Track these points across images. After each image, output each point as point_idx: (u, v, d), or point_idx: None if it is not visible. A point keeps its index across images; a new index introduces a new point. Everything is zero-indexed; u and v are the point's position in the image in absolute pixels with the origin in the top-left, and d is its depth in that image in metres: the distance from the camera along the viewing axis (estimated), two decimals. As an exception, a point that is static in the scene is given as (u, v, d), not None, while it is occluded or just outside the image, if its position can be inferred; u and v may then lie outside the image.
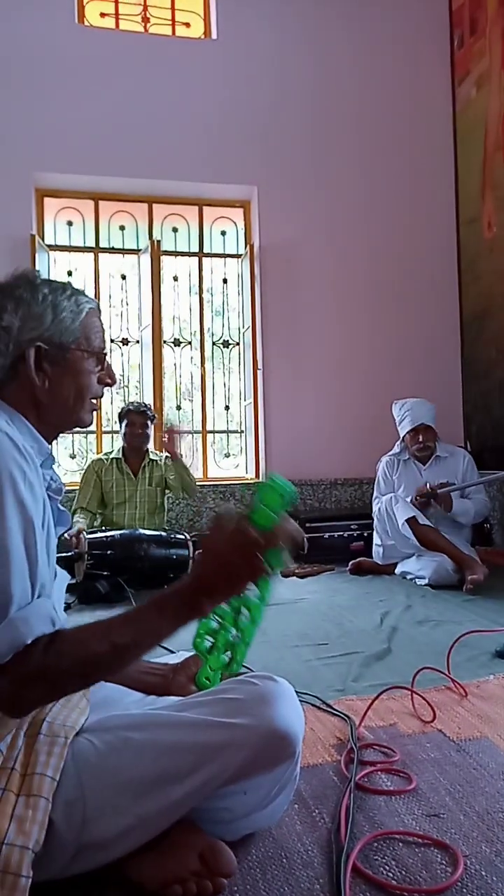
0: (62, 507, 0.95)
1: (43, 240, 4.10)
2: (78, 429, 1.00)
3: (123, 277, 4.45)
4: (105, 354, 1.00)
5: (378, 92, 4.46)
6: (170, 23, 4.44)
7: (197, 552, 2.95)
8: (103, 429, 4.30)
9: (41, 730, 0.85)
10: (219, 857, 0.90)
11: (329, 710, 1.52)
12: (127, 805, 0.84)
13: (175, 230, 4.45)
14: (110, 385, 1.01)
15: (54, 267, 4.21)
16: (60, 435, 1.00)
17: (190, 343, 4.48)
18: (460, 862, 0.94)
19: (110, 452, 3.53)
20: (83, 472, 3.49)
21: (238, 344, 4.54)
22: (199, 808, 0.90)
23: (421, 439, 3.28)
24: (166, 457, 3.55)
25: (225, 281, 4.55)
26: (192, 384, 4.56)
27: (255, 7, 4.32)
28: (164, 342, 4.33)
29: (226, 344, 4.55)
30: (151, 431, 3.53)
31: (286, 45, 4.35)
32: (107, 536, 3.00)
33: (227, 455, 4.52)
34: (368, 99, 4.44)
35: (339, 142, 4.39)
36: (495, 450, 4.04)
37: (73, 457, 4.32)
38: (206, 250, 4.49)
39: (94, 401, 0.98)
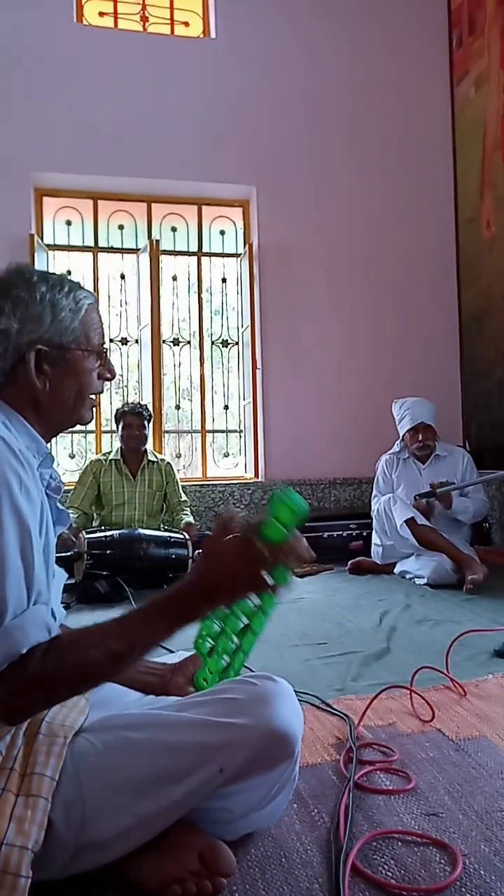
0: (61, 506, 0.95)
1: (42, 239, 4.09)
2: (77, 426, 1.00)
3: (122, 277, 4.45)
4: (104, 350, 0.98)
5: (376, 91, 4.46)
6: (168, 22, 4.44)
7: (196, 552, 2.96)
8: (102, 428, 4.30)
9: (40, 730, 0.85)
10: (218, 856, 0.90)
11: (328, 709, 1.53)
12: (126, 805, 0.84)
13: (174, 230, 4.45)
14: (109, 380, 0.99)
15: (53, 266, 4.21)
16: (59, 434, 0.99)
17: (189, 343, 4.48)
18: (459, 861, 0.94)
19: (109, 453, 3.53)
20: (81, 471, 3.49)
21: (237, 343, 4.54)
22: (199, 808, 0.90)
23: (421, 438, 3.28)
24: (164, 460, 3.57)
25: (224, 280, 4.54)
26: (191, 384, 4.56)
27: (254, 6, 4.32)
28: (163, 342, 4.33)
29: (225, 343, 4.55)
30: (149, 432, 3.53)
31: (285, 44, 4.35)
32: (106, 536, 3.00)
33: (227, 455, 4.52)
34: (367, 98, 4.44)
35: (337, 141, 4.39)
36: (495, 449, 4.04)
37: (72, 457, 4.32)
38: (205, 250, 4.48)
39: (93, 397, 0.97)
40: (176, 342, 4.46)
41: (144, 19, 4.41)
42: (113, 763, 0.85)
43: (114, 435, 3.75)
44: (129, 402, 3.64)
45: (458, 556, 2.98)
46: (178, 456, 4.44)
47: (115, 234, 4.37)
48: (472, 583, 2.79)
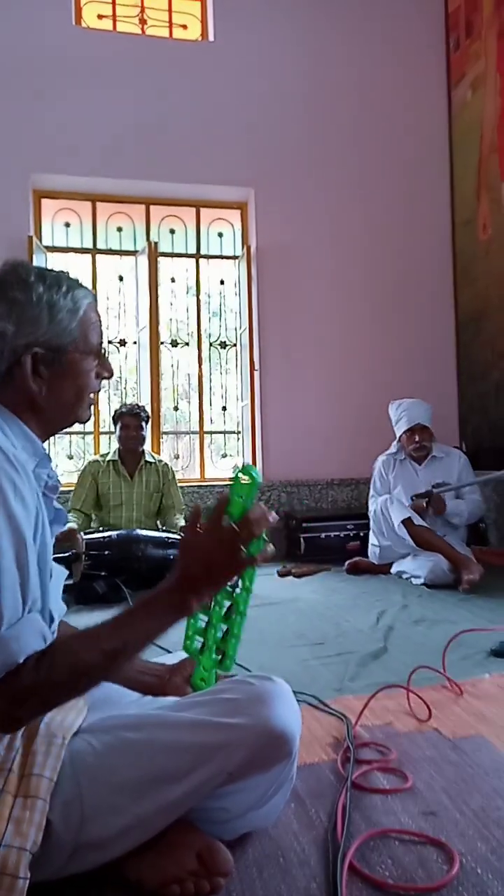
0: (58, 506, 0.94)
1: (40, 241, 4.10)
2: (76, 427, 0.99)
3: (121, 279, 4.45)
4: (103, 349, 0.97)
5: (374, 94, 4.47)
6: (167, 25, 4.45)
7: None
8: (101, 429, 4.30)
9: (38, 731, 0.85)
10: (216, 856, 0.90)
11: (326, 709, 1.53)
12: (125, 805, 0.84)
13: (172, 232, 4.46)
14: (108, 378, 0.98)
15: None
16: (57, 434, 0.99)
17: (187, 344, 4.49)
18: (456, 860, 0.94)
19: (107, 454, 3.53)
20: (79, 472, 3.49)
21: (235, 345, 4.54)
22: (197, 807, 0.91)
23: (417, 439, 3.29)
24: (162, 461, 3.56)
25: (222, 282, 4.55)
26: (189, 385, 4.56)
27: (252, 9, 4.33)
28: (162, 343, 4.33)
29: (223, 345, 4.56)
30: (147, 433, 3.53)
31: (283, 47, 4.36)
32: (104, 537, 3.00)
33: (225, 455, 4.52)
34: (364, 101, 4.46)
35: (335, 144, 4.40)
36: (491, 451, 4.05)
37: (70, 457, 4.32)
38: (203, 252, 4.49)
39: (91, 396, 0.96)
40: (174, 343, 4.46)
41: (143, 22, 4.42)
42: (111, 763, 0.86)
43: (112, 436, 3.75)
44: (127, 403, 3.65)
45: (454, 556, 2.99)
46: (177, 457, 4.45)
47: (113, 236, 4.38)
48: (469, 583, 2.80)
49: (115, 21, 4.38)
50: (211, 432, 4.51)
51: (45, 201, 4.23)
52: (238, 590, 0.96)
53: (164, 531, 3.28)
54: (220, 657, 1.00)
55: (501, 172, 3.98)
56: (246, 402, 4.36)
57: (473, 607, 2.53)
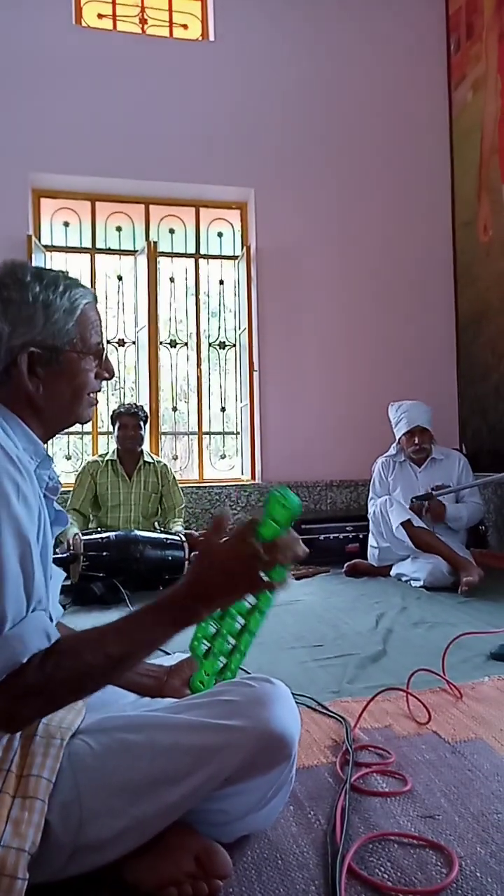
0: (59, 507, 0.94)
1: (39, 240, 4.09)
2: (75, 426, 0.98)
3: (120, 279, 4.44)
4: (102, 349, 0.96)
5: (374, 94, 4.47)
6: (167, 24, 4.45)
7: (193, 553, 2.96)
8: (99, 430, 4.30)
9: (37, 731, 0.85)
10: (214, 858, 0.90)
11: (324, 711, 1.53)
12: (123, 807, 0.84)
13: (172, 231, 4.45)
14: (108, 378, 0.98)
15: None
16: (59, 433, 0.98)
17: (186, 344, 4.48)
18: (455, 863, 0.94)
19: (105, 454, 3.53)
20: (78, 473, 3.48)
21: (234, 345, 4.54)
22: (195, 809, 0.90)
23: (417, 441, 3.29)
24: (160, 461, 3.56)
25: (221, 282, 4.55)
26: (188, 385, 4.56)
27: (253, 9, 4.33)
28: (161, 343, 4.32)
29: (222, 345, 4.55)
30: (146, 433, 3.53)
31: (283, 47, 4.36)
32: (102, 538, 2.99)
33: (223, 456, 4.52)
34: (365, 102, 4.46)
35: (335, 144, 4.40)
36: (490, 453, 4.05)
37: (68, 458, 4.31)
38: (202, 252, 4.49)
39: (91, 395, 0.95)
40: (173, 344, 4.46)
41: (143, 21, 4.42)
42: (110, 765, 0.85)
43: (110, 436, 3.75)
44: (125, 403, 3.65)
45: (454, 558, 2.99)
46: (175, 458, 4.44)
47: (112, 236, 4.38)
48: (468, 585, 2.80)
49: (115, 20, 4.37)
50: (209, 433, 4.51)
51: (44, 201, 4.22)
52: (254, 610, 0.95)
53: (162, 531, 3.28)
54: (222, 666, 0.99)
55: (502, 174, 3.98)
56: (245, 403, 4.36)
57: (473, 610, 2.53)
